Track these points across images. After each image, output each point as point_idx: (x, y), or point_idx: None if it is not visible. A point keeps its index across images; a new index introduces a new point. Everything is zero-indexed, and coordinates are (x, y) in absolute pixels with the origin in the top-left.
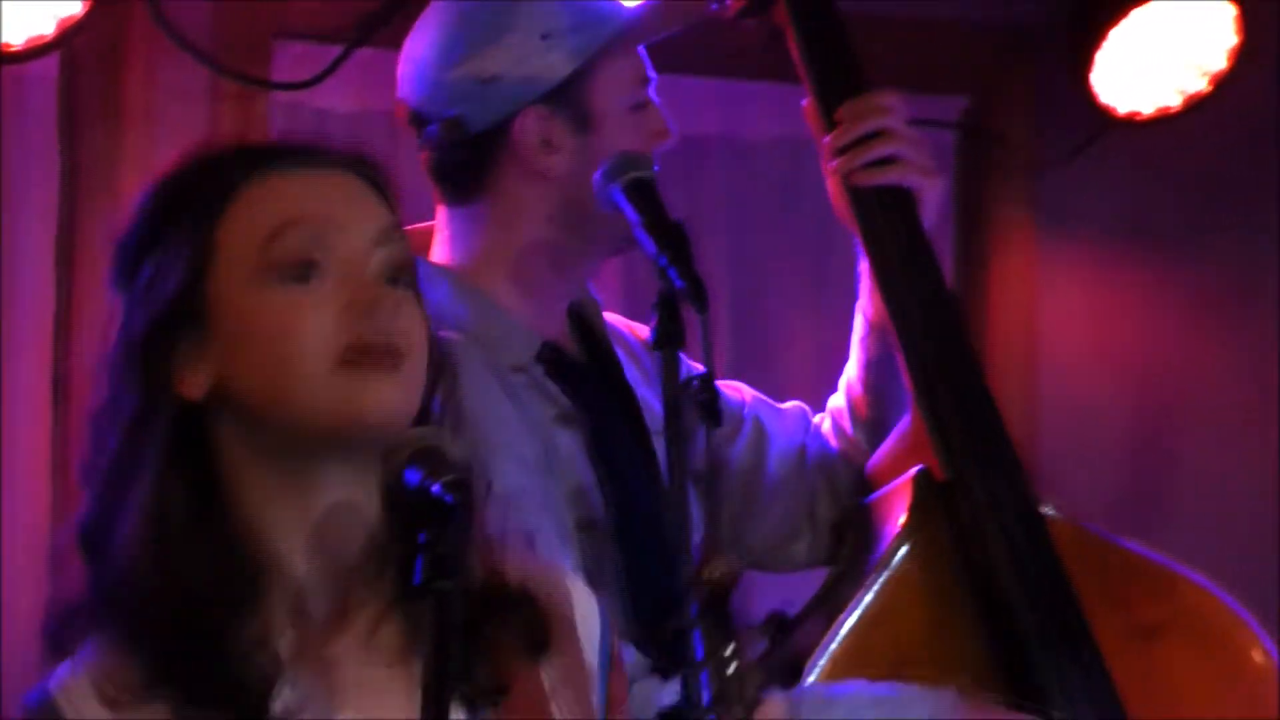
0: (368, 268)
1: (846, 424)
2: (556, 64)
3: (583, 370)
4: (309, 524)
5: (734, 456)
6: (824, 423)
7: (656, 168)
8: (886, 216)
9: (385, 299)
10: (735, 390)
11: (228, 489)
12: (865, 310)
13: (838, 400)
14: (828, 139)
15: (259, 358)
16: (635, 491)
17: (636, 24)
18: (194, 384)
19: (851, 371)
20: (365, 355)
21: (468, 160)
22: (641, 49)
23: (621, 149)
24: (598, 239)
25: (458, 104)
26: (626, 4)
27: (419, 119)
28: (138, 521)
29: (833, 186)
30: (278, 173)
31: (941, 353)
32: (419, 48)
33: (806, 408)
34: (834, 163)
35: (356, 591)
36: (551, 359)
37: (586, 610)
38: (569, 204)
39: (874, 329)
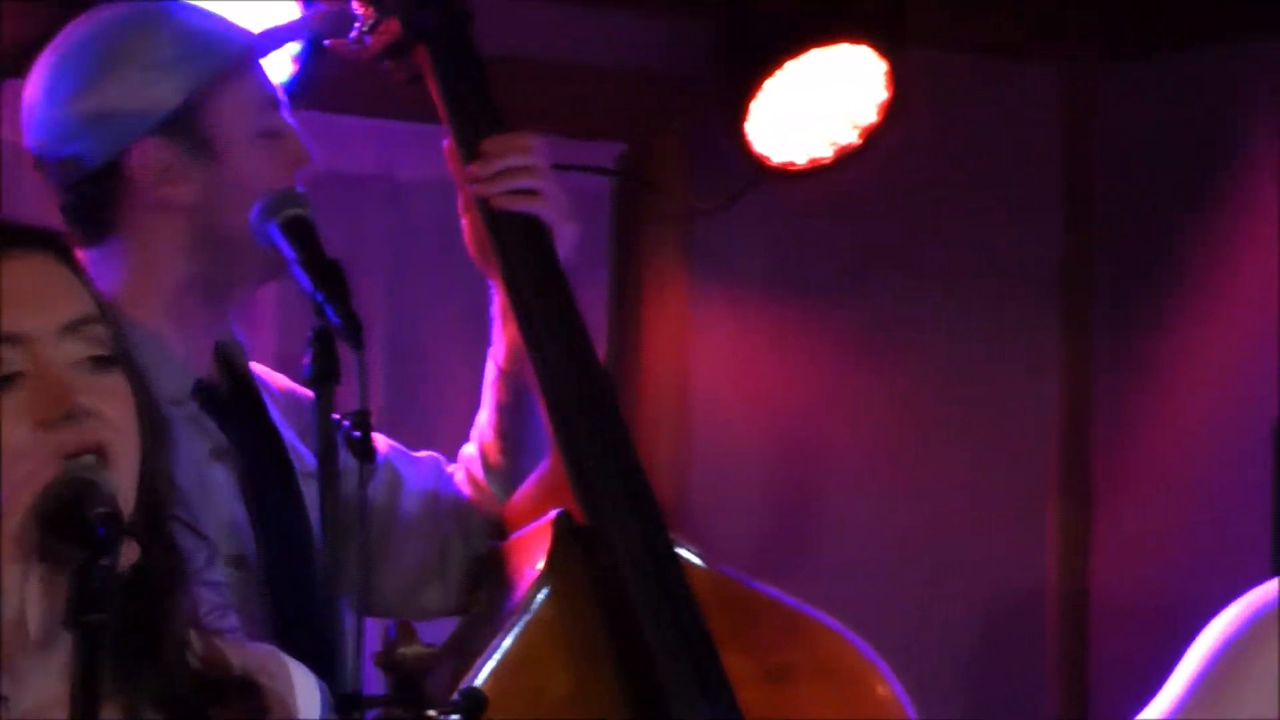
0: (60, 370)
1: (478, 471)
2: (166, 94)
3: (233, 408)
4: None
5: (368, 499)
6: (457, 473)
7: (311, 201)
8: (525, 247)
9: (79, 403)
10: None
11: None
12: (496, 357)
13: (469, 449)
14: (469, 169)
15: None
16: (285, 530)
17: (249, 48)
18: None
19: (483, 418)
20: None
21: (90, 199)
22: (267, 77)
23: (254, 176)
24: (242, 268)
25: (72, 142)
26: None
27: (40, 162)
28: None
29: (468, 224)
30: None
31: (578, 389)
32: (33, 91)
33: (440, 456)
34: (474, 190)
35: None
36: (206, 395)
37: (307, 694)
38: (205, 234)
39: (504, 375)
